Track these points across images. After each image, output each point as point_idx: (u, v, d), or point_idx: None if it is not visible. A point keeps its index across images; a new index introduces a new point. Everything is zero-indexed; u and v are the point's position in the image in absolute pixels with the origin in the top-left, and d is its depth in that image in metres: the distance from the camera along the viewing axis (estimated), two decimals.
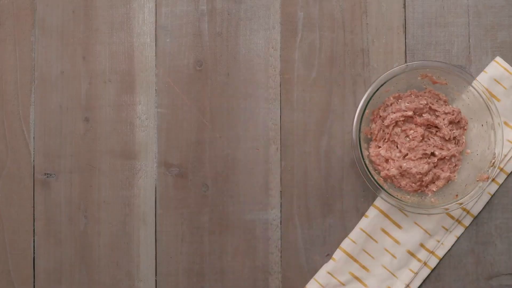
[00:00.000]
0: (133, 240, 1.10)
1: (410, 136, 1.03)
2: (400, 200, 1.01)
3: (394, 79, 1.01)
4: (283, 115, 1.10)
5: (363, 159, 1.00)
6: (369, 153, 1.04)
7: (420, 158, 1.03)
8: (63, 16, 1.12)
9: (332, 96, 1.09)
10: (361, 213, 1.08)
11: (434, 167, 1.03)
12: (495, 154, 1.00)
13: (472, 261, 1.07)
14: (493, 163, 1.00)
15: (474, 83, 1.00)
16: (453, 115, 1.03)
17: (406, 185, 1.03)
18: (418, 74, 1.03)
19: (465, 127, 1.04)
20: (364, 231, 1.07)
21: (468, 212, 1.07)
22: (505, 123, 1.07)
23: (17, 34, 1.12)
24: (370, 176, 1.00)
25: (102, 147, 1.10)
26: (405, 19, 1.10)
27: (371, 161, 1.04)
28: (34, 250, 1.10)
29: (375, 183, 1.00)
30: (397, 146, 1.04)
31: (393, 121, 1.03)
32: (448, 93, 1.04)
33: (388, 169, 1.03)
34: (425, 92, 1.04)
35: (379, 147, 1.04)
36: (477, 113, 1.02)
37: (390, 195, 1.00)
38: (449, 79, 1.02)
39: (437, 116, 1.04)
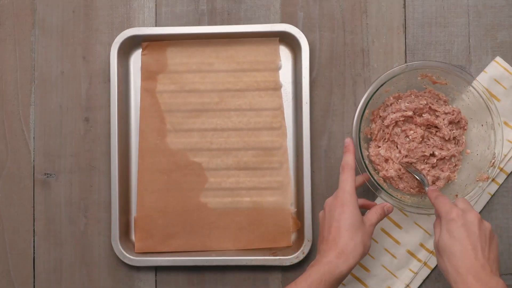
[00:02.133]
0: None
1: (410, 137, 1.03)
2: (400, 200, 1.01)
3: (394, 79, 1.01)
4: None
5: (363, 159, 1.00)
6: (369, 153, 1.04)
7: (418, 159, 1.03)
8: (63, 16, 1.12)
9: (332, 96, 1.09)
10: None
11: (434, 167, 1.03)
12: (495, 154, 1.00)
13: None
14: (493, 163, 1.00)
15: (474, 83, 1.00)
16: (453, 115, 1.03)
17: (404, 188, 1.03)
18: (418, 74, 1.03)
19: (465, 127, 1.04)
20: None
21: None
22: (505, 123, 1.07)
23: (17, 34, 1.12)
24: (370, 176, 1.00)
25: (102, 147, 1.10)
26: (405, 19, 1.10)
27: (371, 161, 1.04)
28: (34, 250, 1.10)
29: (375, 183, 1.00)
30: (396, 147, 1.04)
31: (393, 121, 1.03)
32: (448, 93, 1.04)
33: (386, 170, 1.03)
34: (425, 92, 1.04)
35: (379, 147, 1.04)
36: (477, 113, 1.02)
37: (390, 195, 1.00)
38: (449, 79, 1.02)
39: (437, 116, 1.04)
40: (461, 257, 0.86)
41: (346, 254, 0.90)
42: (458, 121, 1.04)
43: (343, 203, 0.93)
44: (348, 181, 0.95)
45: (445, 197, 0.92)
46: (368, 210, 0.99)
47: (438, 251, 0.89)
